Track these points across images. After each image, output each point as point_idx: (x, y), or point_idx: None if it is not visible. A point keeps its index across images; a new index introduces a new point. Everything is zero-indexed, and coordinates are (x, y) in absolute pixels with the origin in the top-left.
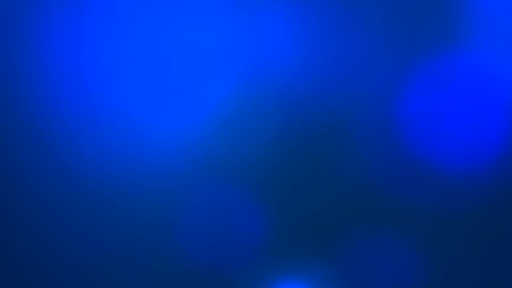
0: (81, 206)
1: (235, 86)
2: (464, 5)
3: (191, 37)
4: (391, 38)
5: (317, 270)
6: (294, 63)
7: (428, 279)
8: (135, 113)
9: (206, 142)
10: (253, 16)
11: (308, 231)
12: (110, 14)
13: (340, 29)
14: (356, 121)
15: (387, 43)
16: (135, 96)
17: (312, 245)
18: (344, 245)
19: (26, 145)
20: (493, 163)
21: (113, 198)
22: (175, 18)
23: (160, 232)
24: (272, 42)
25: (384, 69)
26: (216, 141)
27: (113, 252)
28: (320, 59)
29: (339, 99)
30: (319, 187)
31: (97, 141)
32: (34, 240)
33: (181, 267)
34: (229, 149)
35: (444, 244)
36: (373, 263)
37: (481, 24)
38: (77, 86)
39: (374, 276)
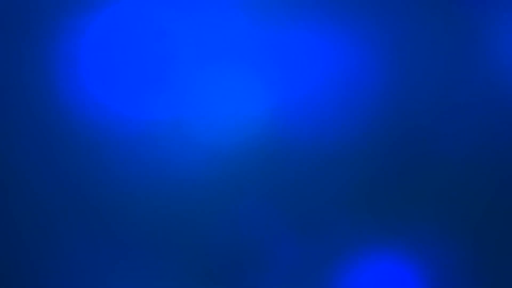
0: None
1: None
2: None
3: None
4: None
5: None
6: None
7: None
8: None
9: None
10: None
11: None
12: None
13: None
14: (364, 119)
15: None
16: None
17: (323, 242)
18: (353, 243)
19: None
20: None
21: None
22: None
23: (168, 235)
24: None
25: (388, 68)
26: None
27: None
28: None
29: (345, 98)
30: (328, 185)
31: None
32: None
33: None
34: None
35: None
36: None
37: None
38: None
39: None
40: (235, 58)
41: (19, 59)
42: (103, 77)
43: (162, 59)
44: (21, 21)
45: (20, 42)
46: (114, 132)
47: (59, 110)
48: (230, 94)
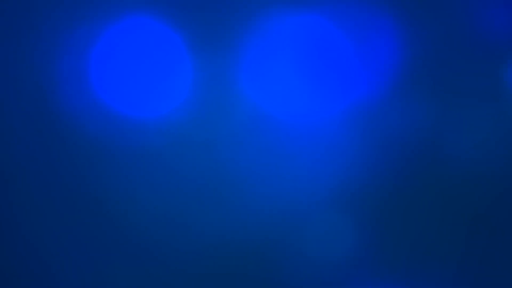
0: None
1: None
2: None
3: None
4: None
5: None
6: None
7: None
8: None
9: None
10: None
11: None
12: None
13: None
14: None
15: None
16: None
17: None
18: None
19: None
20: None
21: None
22: None
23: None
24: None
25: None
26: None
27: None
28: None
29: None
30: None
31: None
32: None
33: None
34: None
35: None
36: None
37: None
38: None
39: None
40: (240, 59)
41: (22, 62)
42: (103, 79)
43: (162, 60)
44: (23, 24)
45: (22, 46)
46: (113, 132)
47: (59, 111)
48: (238, 96)
